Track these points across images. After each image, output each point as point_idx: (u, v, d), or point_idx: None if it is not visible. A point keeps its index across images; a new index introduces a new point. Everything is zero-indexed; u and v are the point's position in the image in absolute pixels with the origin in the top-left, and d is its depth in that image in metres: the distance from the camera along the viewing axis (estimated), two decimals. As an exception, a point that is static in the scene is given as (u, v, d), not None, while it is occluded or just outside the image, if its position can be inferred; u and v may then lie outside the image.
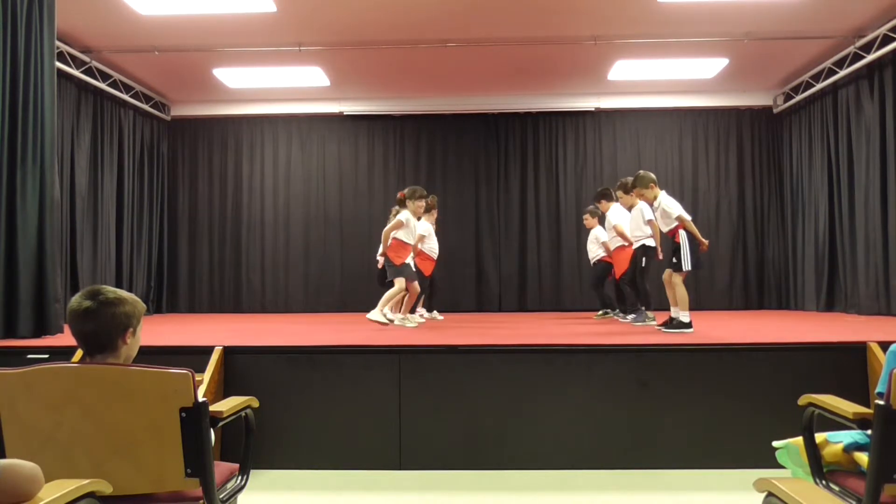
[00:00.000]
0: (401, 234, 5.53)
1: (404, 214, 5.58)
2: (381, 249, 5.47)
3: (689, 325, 4.83)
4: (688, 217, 4.90)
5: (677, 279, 4.94)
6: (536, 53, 7.34)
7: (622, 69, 7.86)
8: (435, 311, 7.24)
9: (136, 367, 1.86)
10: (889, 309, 6.56)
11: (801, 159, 8.44)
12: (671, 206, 4.94)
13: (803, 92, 8.16)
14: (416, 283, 5.83)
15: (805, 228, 8.31)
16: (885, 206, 6.67)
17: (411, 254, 5.89)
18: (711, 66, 7.86)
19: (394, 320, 5.61)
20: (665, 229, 5.06)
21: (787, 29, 6.76)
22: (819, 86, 7.78)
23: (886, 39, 6.49)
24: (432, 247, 6.71)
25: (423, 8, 6.19)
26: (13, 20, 4.83)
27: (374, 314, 5.31)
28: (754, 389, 3.79)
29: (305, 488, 3.53)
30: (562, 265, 8.95)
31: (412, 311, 6.56)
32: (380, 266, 6.51)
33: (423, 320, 6.73)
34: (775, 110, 8.93)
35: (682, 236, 4.83)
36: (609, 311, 7.01)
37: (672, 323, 4.94)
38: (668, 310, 5.14)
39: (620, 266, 6.37)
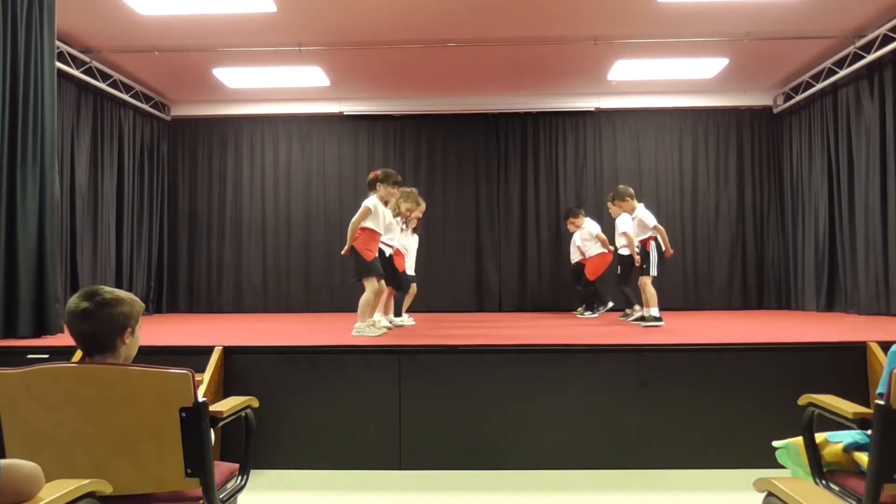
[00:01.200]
0: (369, 223, 4.81)
1: (371, 200, 4.86)
2: (346, 247, 4.79)
3: (660, 319, 5.65)
4: (661, 228, 5.85)
5: (646, 281, 5.79)
6: (536, 53, 7.33)
7: (622, 69, 7.86)
8: (404, 316, 6.29)
9: (135, 367, 1.87)
10: (889, 309, 6.56)
11: (801, 159, 8.43)
12: (647, 218, 5.85)
13: (803, 92, 8.15)
14: (383, 283, 5.14)
15: (805, 228, 8.30)
16: (885, 206, 6.66)
17: (387, 250, 5.29)
18: (711, 66, 7.85)
19: (386, 324, 5.20)
20: (638, 239, 5.95)
21: (787, 29, 6.76)
22: (819, 86, 7.77)
23: (886, 39, 6.49)
24: (403, 241, 5.98)
25: (423, 8, 6.19)
26: (13, 20, 4.83)
27: (359, 329, 4.67)
28: (754, 389, 3.79)
29: (305, 488, 3.53)
30: (561, 265, 8.92)
31: (398, 313, 6.08)
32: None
33: (412, 323, 6.20)
34: (775, 110, 8.92)
35: (653, 247, 5.75)
36: (583, 307, 7.66)
37: (646, 319, 5.76)
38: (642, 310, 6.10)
39: (596, 269, 7.33)
